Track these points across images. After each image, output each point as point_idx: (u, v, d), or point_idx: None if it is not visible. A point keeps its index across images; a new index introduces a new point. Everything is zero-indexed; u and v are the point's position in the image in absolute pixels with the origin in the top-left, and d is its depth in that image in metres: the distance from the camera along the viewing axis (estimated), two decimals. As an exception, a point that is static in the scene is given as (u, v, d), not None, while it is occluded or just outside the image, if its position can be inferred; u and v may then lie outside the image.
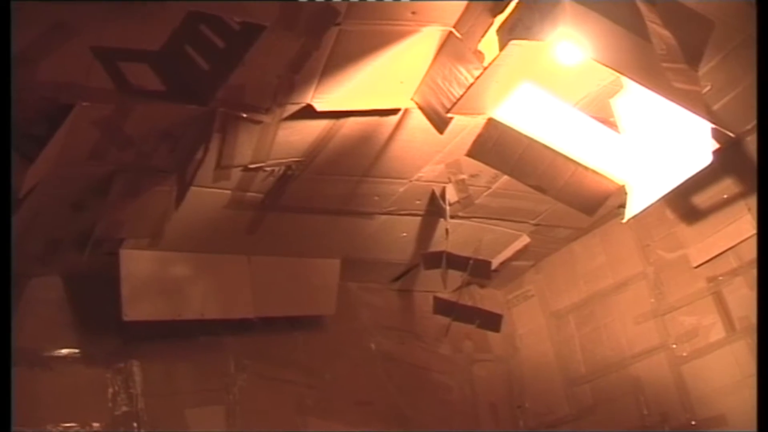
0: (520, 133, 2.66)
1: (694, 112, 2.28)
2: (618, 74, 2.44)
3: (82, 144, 2.61)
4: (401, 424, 3.78)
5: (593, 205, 2.78)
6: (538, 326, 4.21)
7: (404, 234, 3.63)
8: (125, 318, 3.03)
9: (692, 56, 2.25)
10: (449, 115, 2.55)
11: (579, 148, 2.68)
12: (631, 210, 2.74)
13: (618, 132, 2.69)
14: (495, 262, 3.80)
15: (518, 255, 3.99)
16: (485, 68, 2.40)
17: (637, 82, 2.27)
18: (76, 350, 3.18)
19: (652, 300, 3.62)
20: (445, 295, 3.69)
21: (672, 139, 2.50)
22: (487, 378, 4.16)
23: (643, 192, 2.62)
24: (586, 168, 2.66)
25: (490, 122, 2.68)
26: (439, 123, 2.69)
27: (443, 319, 3.87)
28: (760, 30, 2.22)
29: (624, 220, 2.75)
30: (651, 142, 2.59)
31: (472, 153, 2.75)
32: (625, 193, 2.75)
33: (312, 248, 3.49)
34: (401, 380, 3.87)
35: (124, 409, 3.19)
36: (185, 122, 2.66)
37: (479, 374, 4.14)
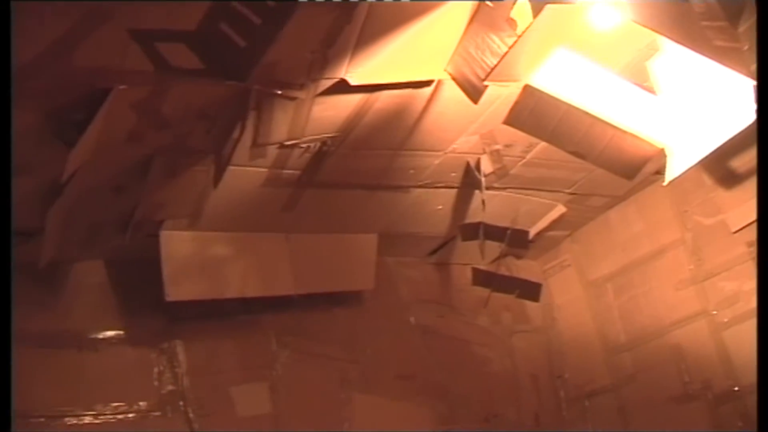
0: (557, 100, 2.63)
1: (736, 71, 2.24)
2: (656, 35, 2.41)
3: (120, 127, 2.63)
4: (442, 397, 3.80)
5: (633, 170, 2.74)
6: (576, 296, 4.19)
7: (440, 207, 3.63)
8: (168, 298, 3.07)
9: (732, 13, 2.21)
10: (485, 83, 2.53)
11: (617, 112, 2.63)
12: (672, 172, 2.70)
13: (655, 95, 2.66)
14: (531, 233, 3.78)
15: (554, 225, 3.97)
16: (520, 35, 2.39)
17: (676, 42, 2.23)
18: (121, 332, 3.25)
19: (691, 266, 3.60)
20: (482, 266, 3.68)
21: (712, 99, 2.46)
22: (526, 349, 4.16)
23: (684, 154, 2.58)
24: (624, 132, 2.62)
25: (527, 89, 2.65)
26: (473, 93, 2.67)
27: (481, 292, 3.88)
28: (760, 30, 2.20)
29: (664, 183, 2.72)
30: (690, 104, 2.55)
31: (509, 121, 2.72)
32: (664, 157, 2.72)
33: (349, 224, 3.50)
34: (441, 353, 3.89)
35: (170, 388, 3.25)
36: (221, 101, 2.67)
37: (518, 346, 4.14)
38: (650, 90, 2.66)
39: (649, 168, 3.15)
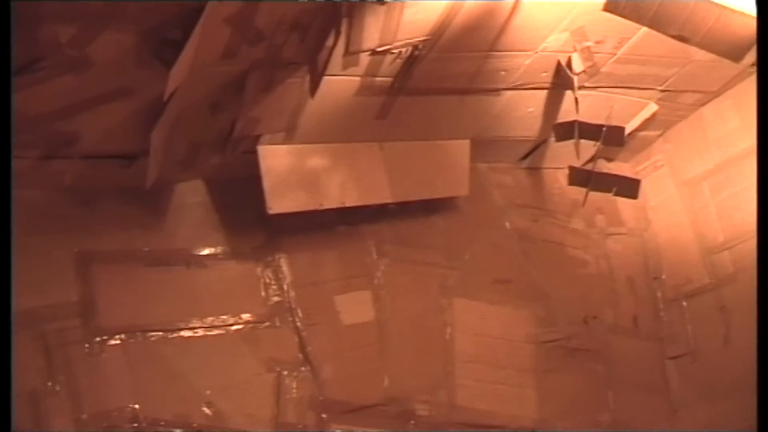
0: (659, -21, 2.55)
1: None
2: None
3: (215, 43, 2.64)
4: (540, 300, 3.82)
5: (741, 50, 2.64)
6: (671, 196, 4.12)
7: (531, 109, 3.58)
8: (270, 211, 3.12)
9: None
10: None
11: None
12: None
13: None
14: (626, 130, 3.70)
15: (646, 125, 3.89)
16: None
17: None
18: (227, 248, 3.32)
19: (791, 160, 3.50)
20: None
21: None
22: (621, 251, 4.13)
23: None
24: (732, 11, 2.52)
25: (624, -27, 2.59)
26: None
27: (574, 195, 3.86)
28: (760, 30, 2.07)
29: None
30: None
31: (608, 8, 2.65)
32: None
33: (441, 130, 3.48)
34: (537, 257, 3.90)
35: (276, 299, 3.34)
36: (313, 10, 2.66)
37: (614, 248, 4.11)
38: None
39: (747, 60, 3.06)
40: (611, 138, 3.39)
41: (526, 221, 3.93)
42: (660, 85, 3.62)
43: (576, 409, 3.73)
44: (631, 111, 3.76)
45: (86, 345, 3.00)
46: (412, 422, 3.37)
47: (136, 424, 2.95)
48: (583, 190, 3.55)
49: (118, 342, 3.04)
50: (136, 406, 2.97)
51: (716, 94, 3.77)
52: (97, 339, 3.02)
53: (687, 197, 4.02)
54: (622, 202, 4.16)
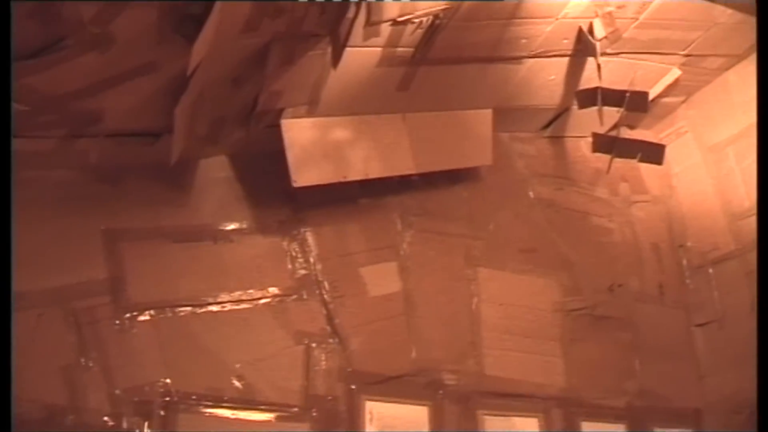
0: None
1: None
2: None
3: (236, 17, 2.64)
4: (566, 268, 3.82)
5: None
6: (695, 163, 4.09)
7: (552, 77, 3.56)
8: (295, 184, 3.13)
9: None
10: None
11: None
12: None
13: None
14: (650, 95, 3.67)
15: (669, 90, 3.85)
16: None
17: None
18: (252, 222, 3.34)
19: (819, 123, 3.46)
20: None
21: None
22: (646, 219, 4.11)
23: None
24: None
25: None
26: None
27: (597, 164, 3.85)
28: (760, 30, 2.04)
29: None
30: None
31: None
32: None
33: (463, 100, 3.47)
34: (562, 226, 3.90)
35: (303, 272, 3.35)
36: (333, -19, 2.67)
37: (638, 215, 4.10)
38: None
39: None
40: (635, 104, 3.37)
41: (549, 190, 3.92)
42: (683, 50, 3.58)
43: (603, 377, 3.73)
44: (654, 77, 3.73)
45: (116, 321, 3.03)
46: (441, 392, 3.38)
47: (168, 398, 2.99)
48: (607, 158, 3.54)
49: (147, 318, 3.08)
50: (168, 381, 3.01)
51: (741, 57, 3.71)
52: (127, 315, 3.06)
53: (712, 163, 3.99)
54: (646, 170, 4.15)
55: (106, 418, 2.88)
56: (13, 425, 2.31)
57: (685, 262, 4.10)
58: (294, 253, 3.36)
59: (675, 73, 3.72)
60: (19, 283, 2.82)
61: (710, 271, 3.99)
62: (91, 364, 2.93)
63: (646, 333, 3.90)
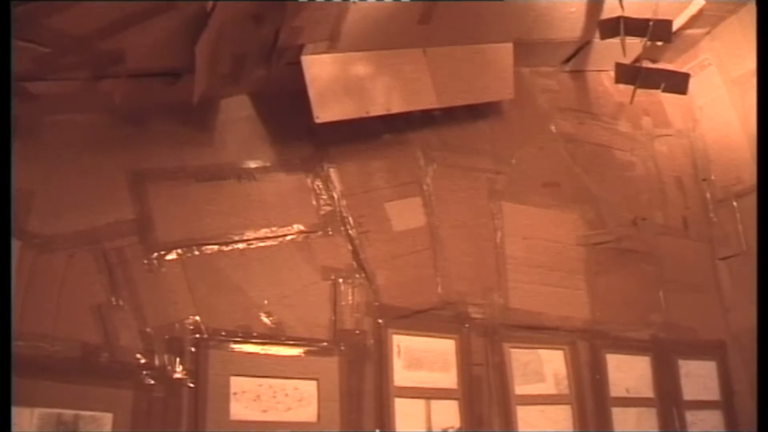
0: None
1: None
2: None
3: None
4: (589, 202, 3.83)
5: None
6: (719, 95, 4.05)
7: (573, 9, 3.52)
8: (317, 120, 3.14)
9: None
10: None
11: None
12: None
13: None
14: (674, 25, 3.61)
15: (692, 22, 3.81)
16: None
17: None
18: (276, 160, 3.35)
19: None
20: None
21: None
22: (669, 153, 4.10)
23: None
24: None
25: None
26: None
27: (619, 98, 3.82)
28: (760, 30, 1.97)
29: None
30: None
31: None
32: None
33: (483, 34, 3.44)
34: (585, 160, 3.90)
35: (328, 208, 3.37)
36: None
37: (661, 149, 4.08)
38: None
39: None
40: (658, 33, 3.33)
41: (572, 124, 3.91)
42: (707, -21, 3.54)
43: (627, 309, 3.76)
44: (678, 8, 3.68)
45: (145, 261, 3.06)
46: (467, 325, 3.41)
47: (198, 335, 3.03)
48: (629, 91, 3.51)
49: (175, 257, 3.11)
50: (197, 318, 3.05)
51: (765, -14, 3.67)
52: (155, 255, 3.08)
53: (736, 96, 3.95)
54: (669, 104, 4.12)
55: (138, 356, 2.92)
56: (13, 366, 2.34)
57: (708, 195, 4.09)
58: (318, 190, 3.37)
59: (699, 3, 3.68)
60: (48, 225, 2.90)
61: (734, 204, 3.98)
62: (122, 303, 2.97)
63: (671, 266, 3.91)
